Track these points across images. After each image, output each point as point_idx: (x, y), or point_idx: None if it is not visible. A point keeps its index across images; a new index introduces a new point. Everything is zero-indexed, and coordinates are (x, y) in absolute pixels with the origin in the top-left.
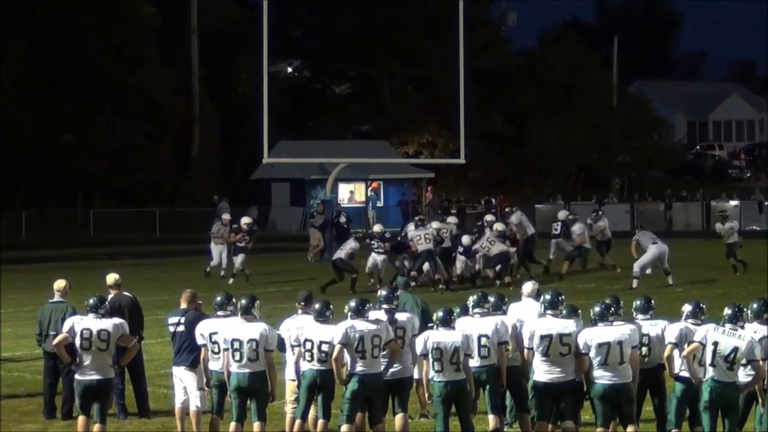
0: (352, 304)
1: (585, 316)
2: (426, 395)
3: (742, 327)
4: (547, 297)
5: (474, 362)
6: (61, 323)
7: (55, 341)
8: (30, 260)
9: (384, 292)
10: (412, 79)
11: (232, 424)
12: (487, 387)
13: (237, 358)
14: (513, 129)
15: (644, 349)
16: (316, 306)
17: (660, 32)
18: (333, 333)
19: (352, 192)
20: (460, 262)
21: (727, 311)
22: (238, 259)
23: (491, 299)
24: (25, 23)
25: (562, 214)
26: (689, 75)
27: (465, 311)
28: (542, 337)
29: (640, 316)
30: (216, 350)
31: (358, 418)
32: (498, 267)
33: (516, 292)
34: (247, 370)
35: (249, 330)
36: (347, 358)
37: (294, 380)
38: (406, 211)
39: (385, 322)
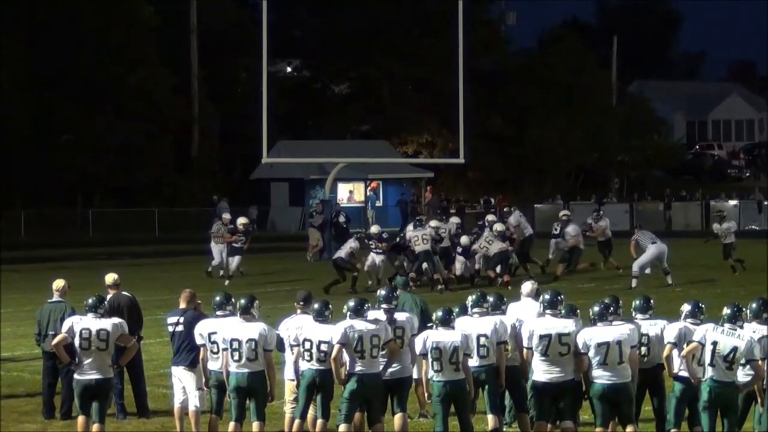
0: (351, 304)
1: (584, 315)
2: (425, 395)
3: (741, 327)
4: (547, 297)
5: (473, 362)
6: (60, 323)
7: (54, 341)
8: (29, 260)
9: (383, 292)
10: (412, 79)
11: (231, 424)
12: (486, 387)
13: (236, 357)
14: (512, 129)
15: (643, 349)
16: (315, 306)
17: (660, 32)
18: (332, 333)
19: (351, 192)
20: (459, 262)
21: (726, 311)
22: (234, 262)
23: (490, 299)
24: (25, 23)
25: (562, 214)
26: (689, 75)
27: (464, 311)
28: (541, 337)
29: (639, 316)
30: (215, 350)
31: (357, 417)
32: (498, 267)
33: (515, 292)
34: (246, 370)
35: (248, 330)
36: (346, 357)
37: (293, 380)
38: (405, 210)
39: (384, 322)
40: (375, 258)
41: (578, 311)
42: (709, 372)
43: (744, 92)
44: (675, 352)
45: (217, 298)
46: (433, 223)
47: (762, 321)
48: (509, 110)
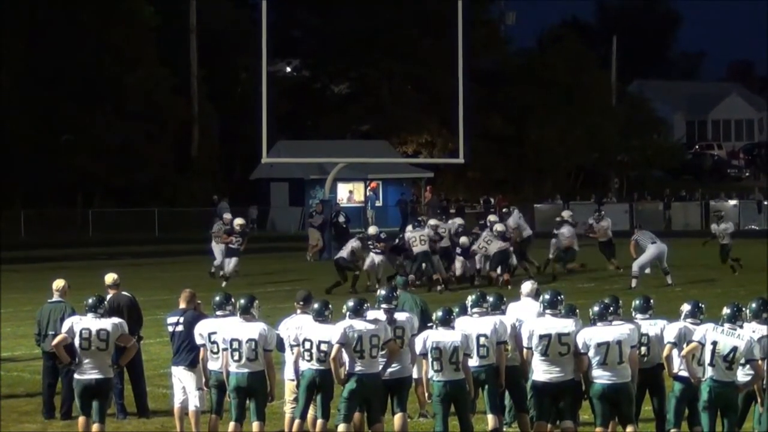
0: (351, 303)
1: (584, 315)
2: (426, 395)
3: (741, 326)
4: (546, 296)
5: (473, 362)
6: (60, 323)
7: (54, 342)
8: (29, 260)
9: (383, 292)
10: (412, 79)
11: (231, 424)
12: (486, 387)
13: (236, 357)
14: (512, 129)
15: (643, 349)
16: (315, 306)
17: (659, 32)
18: (332, 333)
19: (351, 192)
20: (459, 262)
21: (726, 311)
22: (231, 263)
23: (490, 299)
24: (25, 23)
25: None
26: (688, 75)
27: (464, 311)
28: (541, 337)
29: (639, 316)
30: (215, 350)
31: (356, 417)
32: (499, 268)
33: (515, 292)
34: (246, 370)
35: (248, 330)
36: (345, 357)
37: (293, 380)
38: (405, 210)
39: (383, 322)
40: (375, 258)
41: (577, 311)
42: (709, 372)
43: (744, 92)
44: (675, 351)
45: (217, 298)
46: (432, 222)
47: (762, 321)
48: (509, 110)
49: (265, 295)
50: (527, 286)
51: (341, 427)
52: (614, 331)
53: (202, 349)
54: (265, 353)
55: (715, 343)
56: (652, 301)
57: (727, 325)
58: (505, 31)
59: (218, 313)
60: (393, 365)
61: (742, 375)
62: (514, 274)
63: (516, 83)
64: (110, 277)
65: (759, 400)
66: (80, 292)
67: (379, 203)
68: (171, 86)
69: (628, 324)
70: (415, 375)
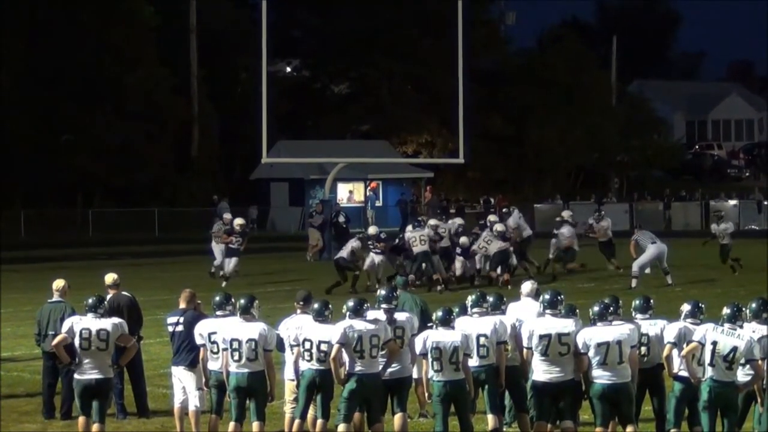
0: (351, 303)
1: (584, 315)
2: (426, 395)
3: (741, 326)
4: (547, 296)
5: (473, 362)
6: (60, 323)
7: (54, 342)
8: (29, 260)
9: (383, 292)
10: (412, 79)
11: (231, 424)
12: (486, 387)
13: (236, 357)
14: (512, 129)
15: (643, 349)
16: (315, 306)
17: (659, 32)
18: (332, 333)
19: (351, 192)
20: (459, 262)
21: (725, 311)
22: (231, 263)
23: (490, 299)
24: (25, 23)
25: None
26: (688, 75)
27: (464, 311)
28: (541, 337)
29: (639, 316)
30: (215, 350)
31: (356, 417)
32: (499, 268)
33: (515, 292)
34: (246, 370)
35: (248, 330)
36: (345, 357)
37: (293, 380)
38: (405, 210)
39: (383, 322)
40: (374, 258)
41: (577, 311)
42: (709, 372)
43: (744, 92)
44: (675, 351)
45: (217, 298)
46: (432, 221)
47: (762, 321)
48: (509, 110)
49: (265, 295)
50: (527, 286)
51: (341, 427)
52: (614, 331)
53: (202, 349)
54: (265, 353)
55: (715, 343)
56: (652, 301)
57: (727, 325)
58: (505, 31)
59: (218, 313)
60: (393, 365)
61: (742, 375)
62: (514, 274)
63: (516, 83)
64: (110, 277)
65: (759, 400)
66: (80, 292)
67: (379, 203)
68: (171, 86)
69: (628, 324)
70: (415, 375)
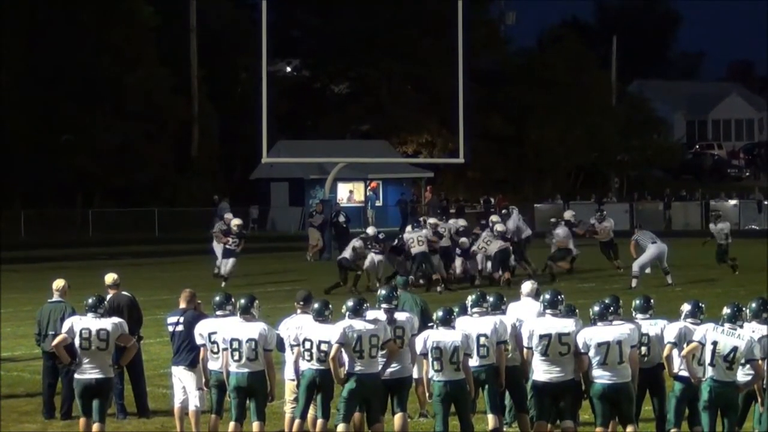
0: (350, 303)
1: (584, 315)
2: (426, 394)
3: (741, 326)
4: (547, 296)
5: (473, 362)
6: (60, 323)
7: (55, 342)
8: (29, 260)
9: (383, 292)
10: (411, 79)
11: (231, 424)
12: (486, 386)
13: (236, 357)
14: (512, 128)
15: (643, 349)
16: (315, 305)
17: (659, 32)
18: (331, 333)
19: (351, 191)
20: (458, 261)
21: (726, 311)
22: (229, 265)
23: (490, 299)
24: (25, 23)
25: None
26: (688, 74)
27: (464, 311)
28: (541, 337)
29: (639, 316)
30: (215, 350)
31: (356, 417)
32: (500, 269)
33: (515, 292)
34: (246, 370)
35: (248, 330)
36: (345, 357)
37: (293, 380)
38: (405, 210)
39: (383, 322)
40: (374, 258)
41: (576, 311)
42: (709, 372)
43: (744, 92)
44: (675, 351)
45: (217, 298)
46: (432, 220)
47: (762, 321)
48: (509, 110)
49: (265, 295)
50: (527, 286)
51: (340, 427)
52: (614, 331)
53: (202, 349)
54: (265, 353)
55: (715, 343)
56: (652, 301)
57: (727, 325)
58: (505, 31)
59: (218, 313)
60: (393, 365)
61: (742, 375)
62: (514, 274)
63: (516, 83)
64: (110, 277)
65: (759, 400)
66: (80, 292)
67: (379, 203)
68: (171, 86)
69: (628, 324)
70: (415, 375)
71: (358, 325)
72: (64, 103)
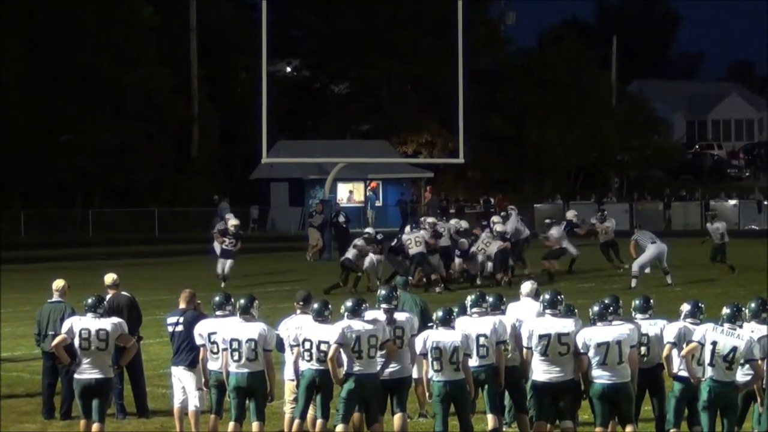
0: (349, 304)
1: (584, 315)
2: (426, 394)
3: (741, 326)
4: (546, 296)
5: (473, 362)
6: (59, 323)
7: (54, 342)
8: (29, 260)
9: (383, 292)
10: (411, 79)
11: (231, 424)
12: (486, 387)
13: (236, 358)
14: (512, 129)
15: (643, 349)
16: (315, 306)
17: (659, 32)
18: (331, 333)
19: (351, 192)
20: (458, 260)
21: (725, 311)
22: (226, 266)
23: (489, 299)
24: (25, 23)
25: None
26: (688, 74)
27: (463, 311)
28: (541, 337)
29: (639, 316)
30: (215, 350)
31: (356, 417)
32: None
33: (515, 292)
34: (245, 370)
35: (248, 330)
36: (344, 358)
37: (293, 380)
38: (405, 210)
39: (381, 322)
40: (373, 258)
41: (576, 311)
42: (709, 372)
43: (743, 92)
44: (675, 351)
45: (217, 298)
46: (431, 219)
47: (761, 321)
48: (509, 110)
49: (265, 295)
50: (527, 286)
51: (339, 427)
52: (614, 331)
53: (201, 349)
54: (264, 353)
55: (714, 343)
56: (652, 301)
57: (726, 325)
58: (505, 31)
59: (218, 313)
60: (392, 365)
61: (742, 375)
62: (514, 274)
63: (516, 83)
64: (110, 277)
65: (759, 400)
66: (80, 292)
67: (379, 203)
68: (171, 86)
69: (628, 324)
70: (415, 375)
71: (357, 325)
72: (64, 103)
